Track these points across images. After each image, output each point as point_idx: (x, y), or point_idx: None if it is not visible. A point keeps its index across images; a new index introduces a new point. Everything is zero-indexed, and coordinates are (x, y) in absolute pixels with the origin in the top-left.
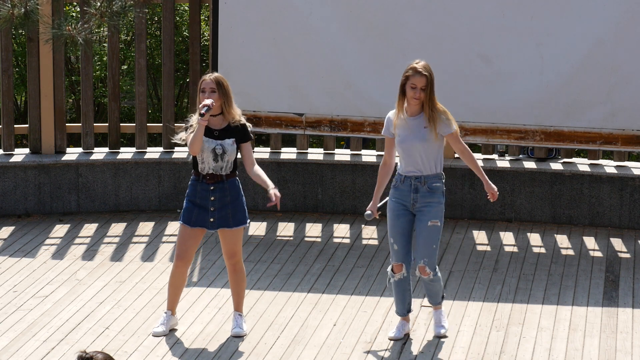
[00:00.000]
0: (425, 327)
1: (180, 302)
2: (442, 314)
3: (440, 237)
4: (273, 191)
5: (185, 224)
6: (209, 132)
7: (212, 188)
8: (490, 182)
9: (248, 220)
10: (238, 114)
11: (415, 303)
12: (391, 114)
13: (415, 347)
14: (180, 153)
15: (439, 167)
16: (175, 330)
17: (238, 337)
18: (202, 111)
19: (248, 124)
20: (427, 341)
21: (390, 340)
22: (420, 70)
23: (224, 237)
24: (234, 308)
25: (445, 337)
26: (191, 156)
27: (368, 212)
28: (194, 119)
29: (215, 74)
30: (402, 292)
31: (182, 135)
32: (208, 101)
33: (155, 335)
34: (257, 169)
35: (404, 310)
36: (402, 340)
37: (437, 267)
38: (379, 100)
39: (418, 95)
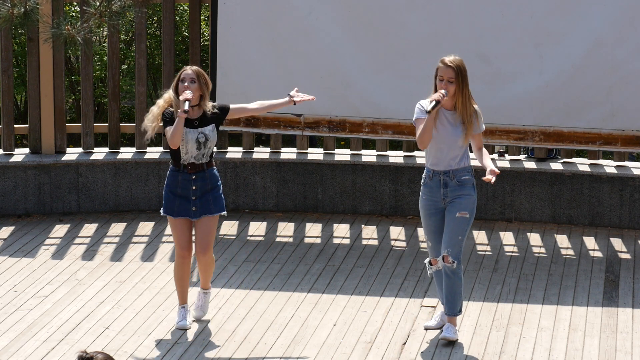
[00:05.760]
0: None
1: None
2: (455, 328)
3: (468, 229)
4: (294, 94)
5: (170, 215)
6: (189, 123)
7: (193, 177)
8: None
9: (225, 211)
10: (211, 105)
11: (415, 303)
12: (423, 101)
13: (415, 347)
14: None
15: (467, 161)
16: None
17: (183, 329)
18: (186, 108)
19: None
20: (427, 341)
21: (426, 329)
22: (447, 62)
23: (201, 225)
24: (200, 286)
25: (452, 341)
26: (169, 154)
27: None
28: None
29: (196, 67)
30: (442, 281)
31: (167, 128)
32: (188, 94)
33: (182, 328)
34: (261, 102)
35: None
36: (402, 340)
37: (460, 259)
38: (378, 101)
39: (445, 86)
